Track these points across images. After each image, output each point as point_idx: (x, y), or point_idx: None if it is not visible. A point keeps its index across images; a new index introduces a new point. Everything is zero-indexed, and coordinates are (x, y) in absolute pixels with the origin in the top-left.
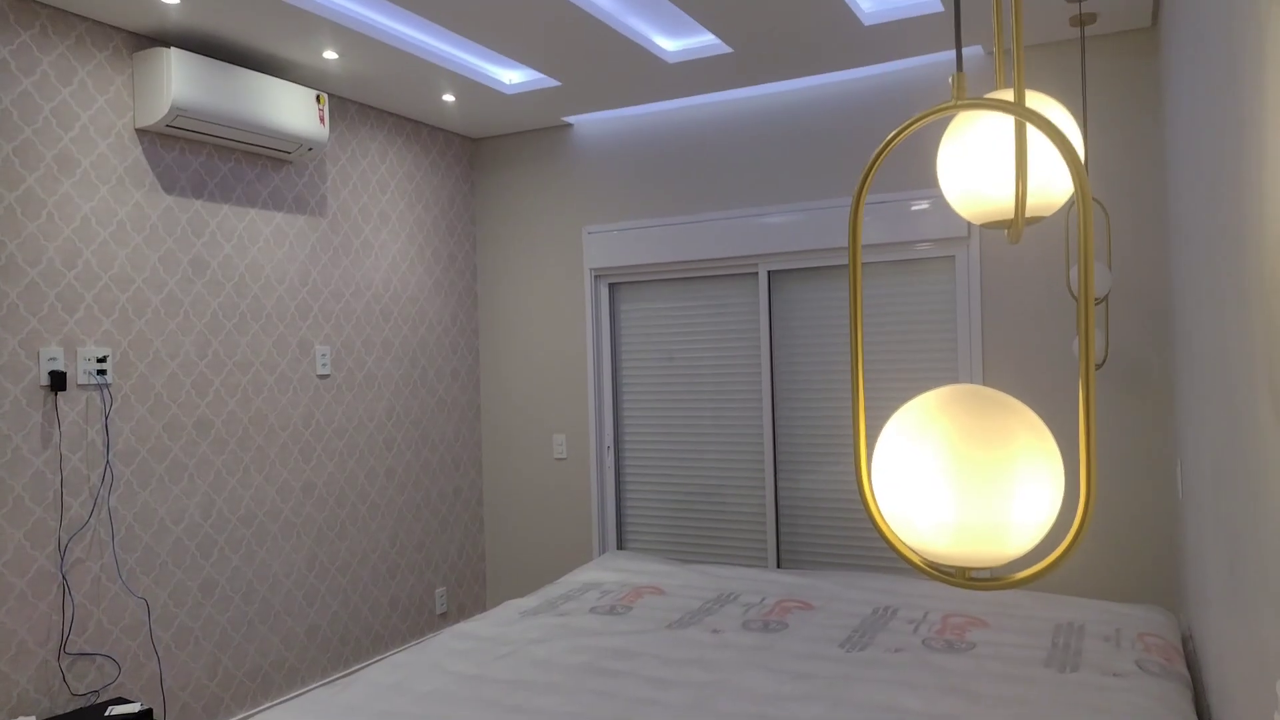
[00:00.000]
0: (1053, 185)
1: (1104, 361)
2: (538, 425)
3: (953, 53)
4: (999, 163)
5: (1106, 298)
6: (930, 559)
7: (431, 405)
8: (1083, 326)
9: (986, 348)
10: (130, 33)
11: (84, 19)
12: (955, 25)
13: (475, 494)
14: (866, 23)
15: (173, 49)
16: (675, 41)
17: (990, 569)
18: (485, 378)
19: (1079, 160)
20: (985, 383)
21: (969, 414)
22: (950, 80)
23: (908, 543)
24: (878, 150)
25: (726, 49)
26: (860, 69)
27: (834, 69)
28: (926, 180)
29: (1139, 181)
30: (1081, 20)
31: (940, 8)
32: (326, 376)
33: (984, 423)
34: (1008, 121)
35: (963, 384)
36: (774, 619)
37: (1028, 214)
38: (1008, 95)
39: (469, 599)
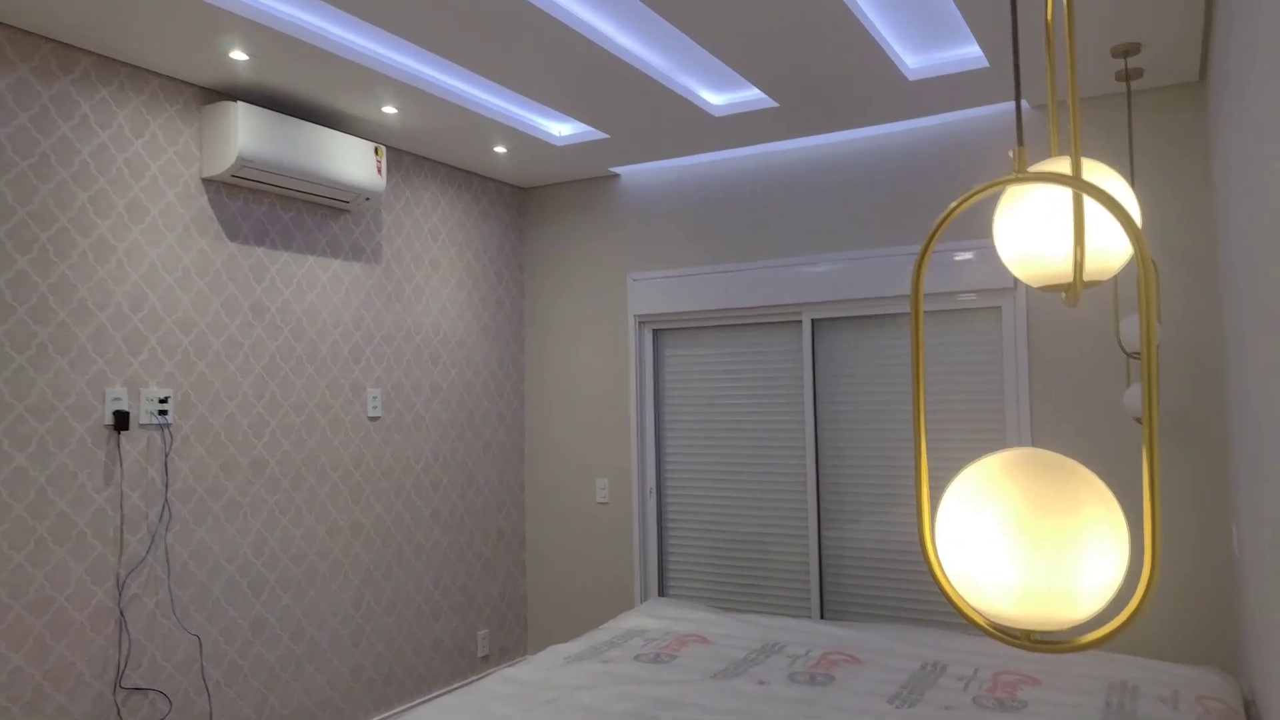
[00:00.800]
0: (1110, 250)
1: None
2: (581, 469)
3: (999, 106)
4: (1055, 228)
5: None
6: (994, 620)
7: (477, 448)
8: (1146, 406)
9: (1035, 400)
10: (200, 87)
11: (159, 75)
12: (1016, 97)
13: (518, 537)
14: (911, 78)
15: (240, 103)
16: (721, 96)
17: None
18: (530, 421)
19: (1140, 235)
20: (1034, 436)
21: (1035, 480)
22: (1010, 154)
23: (971, 603)
24: (938, 221)
25: (772, 103)
26: (905, 122)
27: (879, 122)
28: (971, 231)
29: (1187, 236)
30: (1128, 75)
31: (985, 63)
32: (377, 419)
33: (1051, 489)
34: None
35: (1025, 448)
36: (820, 671)
37: (1085, 278)
38: (1063, 163)
39: (510, 641)
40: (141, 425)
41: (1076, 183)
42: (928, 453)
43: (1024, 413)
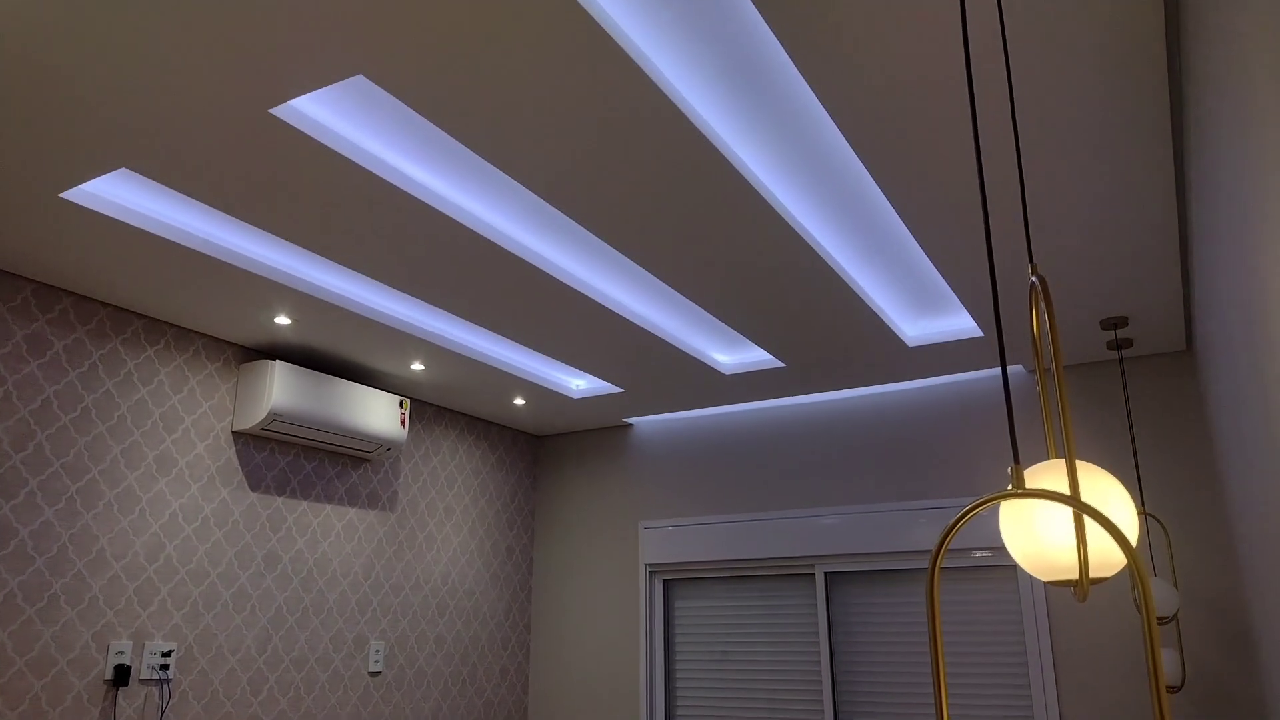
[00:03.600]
0: (1114, 548)
1: (1181, 684)
2: None
3: (994, 370)
4: (1058, 529)
5: (1176, 616)
6: None
7: (479, 707)
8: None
9: (1059, 663)
10: (241, 346)
11: (203, 335)
12: (1008, 411)
13: None
14: (910, 344)
15: (277, 362)
16: (731, 356)
17: None
18: (534, 677)
19: (1137, 555)
20: (1061, 706)
21: None
22: (1009, 471)
23: None
24: (942, 535)
25: (780, 364)
26: (908, 382)
27: (881, 383)
28: (981, 486)
29: (1195, 495)
30: (1119, 344)
31: (979, 333)
32: (378, 674)
33: None
34: (1063, 478)
35: None
36: None
37: (1092, 574)
38: (1059, 469)
39: None
40: (141, 680)
41: (1074, 502)
42: None
43: (1049, 674)
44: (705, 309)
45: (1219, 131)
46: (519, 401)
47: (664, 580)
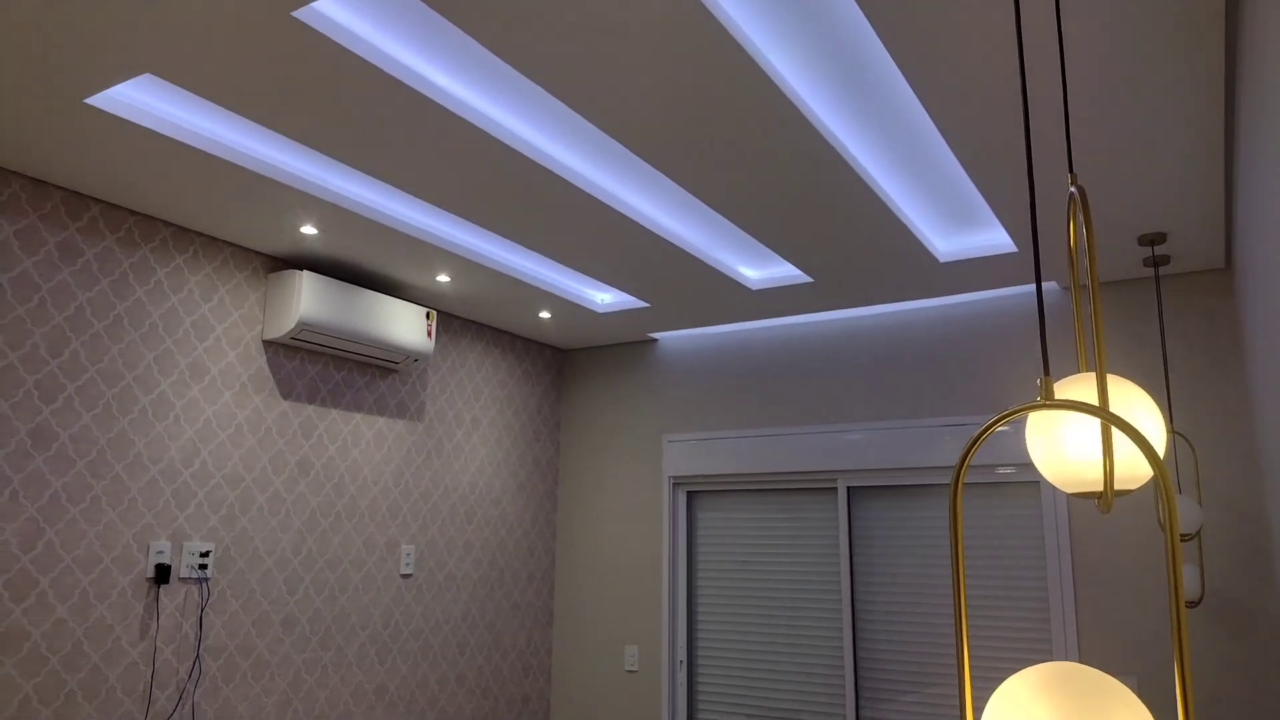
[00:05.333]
0: (1140, 461)
1: (1200, 599)
2: (610, 635)
3: (1029, 286)
4: (1085, 440)
5: (1199, 533)
6: None
7: (506, 609)
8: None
9: (1078, 576)
10: (268, 256)
11: (230, 244)
12: (1040, 323)
13: (543, 705)
14: (942, 260)
15: (305, 272)
16: (759, 271)
17: None
18: (560, 582)
19: (1164, 467)
20: (1079, 617)
21: (1072, 710)
22: (1038, 382)
23: None
24: (967, 446)
25: (808, 279)
26: (937, 299)
27: (911, 299)
28: (1009, 404)
29: (1225, 414)
30: (1155, 261)
31: (1014, 248)
32: (409, 576)
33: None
34: (1093, 391)
35: (1063, 664)
36: None
37: (1116, 487)
38: (1089, 381)
39: None
40: (181, 579)
41: (1102, 413)
42: (969, 639)
43: (1068, 590)
44: (733, 222)
45: (1274, 47)
46: (544, 315)
47: (687, 492)
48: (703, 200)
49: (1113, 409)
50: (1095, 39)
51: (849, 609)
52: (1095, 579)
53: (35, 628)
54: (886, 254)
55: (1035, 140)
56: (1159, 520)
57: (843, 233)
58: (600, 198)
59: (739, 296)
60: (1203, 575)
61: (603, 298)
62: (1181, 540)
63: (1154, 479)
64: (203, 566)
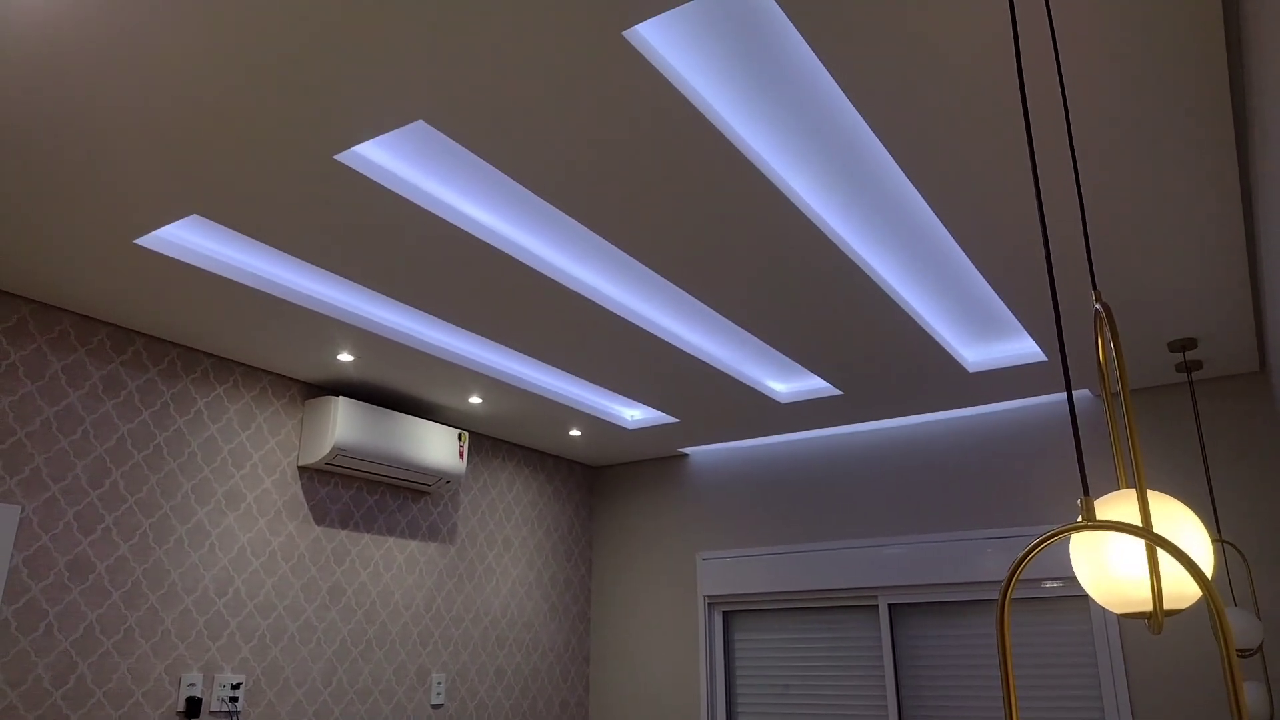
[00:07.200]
0: (1189, 579)
1: (1271, 719)
2: None
3: (1058, 395)
4: (1131, 560)
5: (1261, 647)
6: None
7: None
8: None
9: (1135, 699)
10: (305, 383)
11: (269, 373)
12: (1075, 441)
13: None
14: (971, 370)
15: (340, 397)
16: (788, 385)
17: None
18: (594, 709)
19: (1212, 586)
20: None
21: None
22: (1079, 502)
23: None
24: (1012, 568)
25: (837, 392)
26: (969, 409)
27: (942, 409)
28: (1048, 514)
29: (1274, 520)
30: (1188, 367)
31: (1043, 357)
32: (439, 706)
33: None
34: (1134, 507)
35: None
36: None
37: (1166, 607)
38: (1130, 498)
39: None
40: (212, 712)
41: (1145, 534)
42: None
43: (1124, 710)
44: (761, 338)
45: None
46: (575, 433)
47: (723, 612)
48: (728, 317)
49: (1156, 527)
50: (1110, 152)
51: None
52: (1153, 698)
53: None
54: (915, 366)
55: (1057, 250)
56: (1215, 633)
57: (869, 346)
58: (627, 317)
59: (769, 410)
60: (1270, 692)
61: (632, 414)
62: (1242, 656)
63: (1204, 597)
64: (233, 699)
